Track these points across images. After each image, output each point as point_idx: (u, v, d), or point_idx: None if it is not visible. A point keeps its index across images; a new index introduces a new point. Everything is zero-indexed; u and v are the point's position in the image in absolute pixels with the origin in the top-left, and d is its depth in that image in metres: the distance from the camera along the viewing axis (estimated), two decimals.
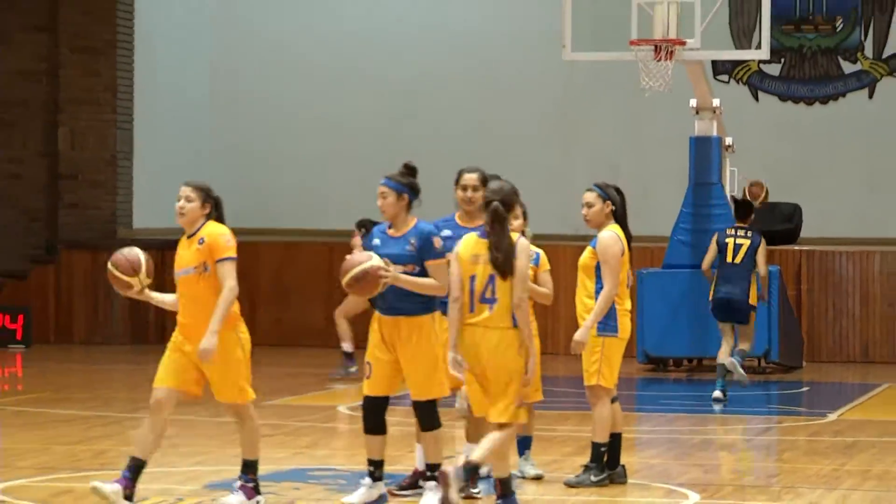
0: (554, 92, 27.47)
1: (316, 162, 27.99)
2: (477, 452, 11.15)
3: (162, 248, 21.71)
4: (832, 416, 19.29)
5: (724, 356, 20.02)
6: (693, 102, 23.31)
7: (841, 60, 28.89)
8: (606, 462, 13.36)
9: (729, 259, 21.34)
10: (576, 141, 26.43)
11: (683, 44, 22.69)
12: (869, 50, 28.69)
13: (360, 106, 29.22)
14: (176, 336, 11.42)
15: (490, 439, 11.08)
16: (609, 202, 12.99)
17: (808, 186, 27.14)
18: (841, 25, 28.94)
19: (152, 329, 26.79)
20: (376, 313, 11.62)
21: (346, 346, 20.90)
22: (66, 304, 27.68)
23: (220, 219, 11.62)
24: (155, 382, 11.26)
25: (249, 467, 11.94)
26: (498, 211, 11.14)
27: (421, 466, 12.76)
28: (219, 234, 11.71)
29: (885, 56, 28.60)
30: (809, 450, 16.84)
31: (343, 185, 27.87)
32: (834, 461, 15.59)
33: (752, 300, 21.22)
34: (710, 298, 20.60)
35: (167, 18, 29.27)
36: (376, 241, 12.74)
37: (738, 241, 20.83)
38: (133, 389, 21.63)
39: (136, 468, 11.25)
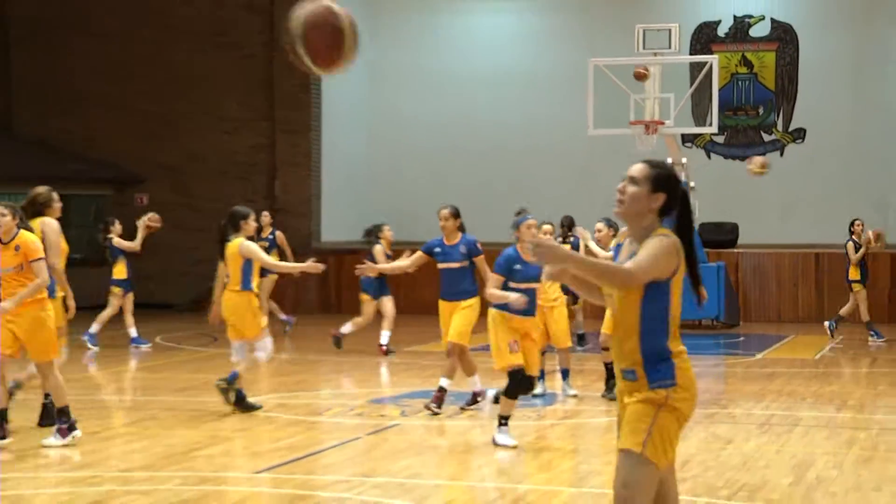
0: (582, 154, 28.76)
1: (429, 192, 26.73)
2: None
3: (339, 254, 26.07)
4: (759, 356, 20.88)
5: None
6: (669, 160, 22.76)
7: (762, 133, 31.24)
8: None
9: None
10: (595, 187, 25.21)
11: (662, 124, 24.70)
12: (780, 126, 31.09)
13: (465, 159, 30.88)
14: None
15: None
16: (613, 228, 14.37)
17: (742, 212, 28.95)
18: (762, 111, 31.29)
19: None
20: (505, 313, 11.78)
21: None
22: (278, 291, 25.48)
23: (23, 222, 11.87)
24: None
25: (61, 412, 11.99)
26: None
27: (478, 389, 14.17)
28: (31, 241, 11.92)
29: (790, 129, 31.04)
30: (744, 377, 18.24)
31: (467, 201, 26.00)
32: (760, 384, 16.88)
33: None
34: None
35: (339, 108, 31.18)
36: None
37: None
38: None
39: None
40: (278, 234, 23.43)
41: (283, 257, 22.59)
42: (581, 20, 31.13)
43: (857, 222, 23.19)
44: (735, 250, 28.13)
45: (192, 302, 28.58)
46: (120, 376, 18.40)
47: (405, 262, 14.22)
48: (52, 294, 12.40)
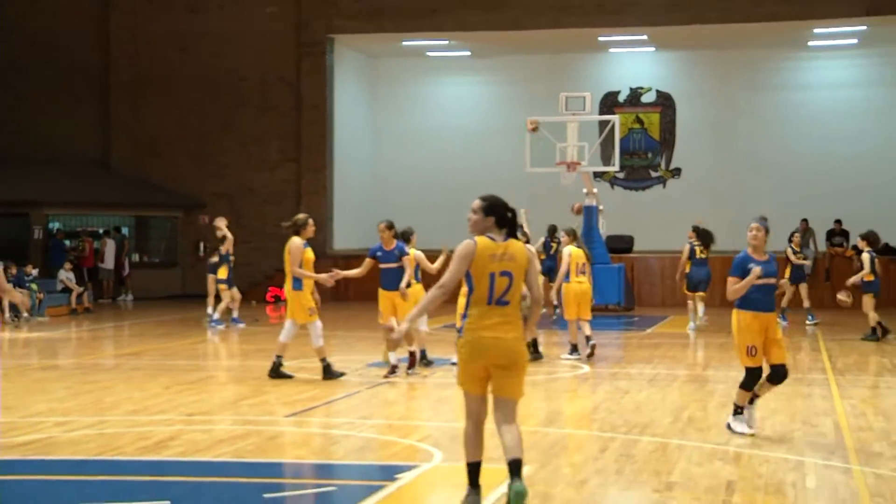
0: (524, 184, 26.86)
1: (415, 215, 24.89)
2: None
3: (346, 258, 25.59)
4: (648, 331, 20.95)
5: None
6: (584, 190, 24.76)
7: (650, 171, 31.67)
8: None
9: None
10: (535, 209, 23.05)
11: (579, 164, 24.74)
12: (663, 165, 31.62)
13: (441, 190, 30.71)
14: None
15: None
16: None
17: (636, 228, 29.13)
18: (650, 155, 31.74)
19: None
20: (752, 312, 9.72)
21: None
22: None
23: None
24: None
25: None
26: None
27: None
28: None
29: (670, 168, 31.53)
30: (638, 346, 18.00)
31: (436, 221, 26.33)
32: (649, 351, 16.94)
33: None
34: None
35: (347, 153, 30.88)
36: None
37: None
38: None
39: None
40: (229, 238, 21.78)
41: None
42: (522, 90, 31.31)
43: (795, 234, 21.91)
44: (631, 255, 28.32)
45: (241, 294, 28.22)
46: (187, 347, 18.33)
47: (362, 270, 13.60)
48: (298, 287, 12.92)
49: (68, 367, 15.01)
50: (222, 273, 21.21)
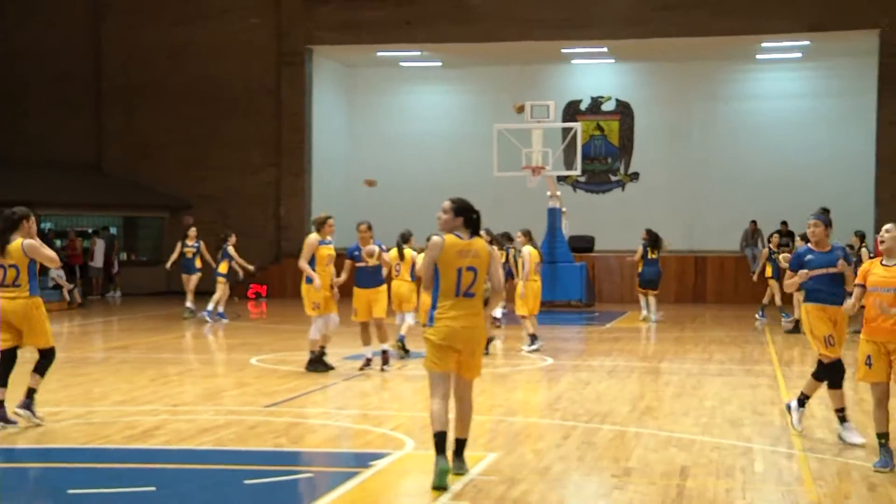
0: (492, 188, 27.01)
1: (389, 216, 25.51)
2: None
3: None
4: (608, 325, 20.95)
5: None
6: (548, 193, 24.91)
7: (610, 175, 31.76)
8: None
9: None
10: (502, 210, 24.83)
11: (544, 168, 24.60)
12: (622, 170, 31.68)
13: (413, 192, 30.08)
14: None
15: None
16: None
17: (597, 229, 29.22)
18: (610, 160, 31.77)
19: None
20: (818, 304, 8.85)
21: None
22: (283, 283, 28.72)
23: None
24: None
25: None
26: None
27: None
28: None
29: (629, 173, 31.56)
30: (599, 340, 18.07)
31: (408, 222, 25.71)
32: (609, 344, 17.03)
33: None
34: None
35: (325, 157, 30.80)
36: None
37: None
38: None
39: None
40: (202, 243, 21.97)
41: (204, 263, 21.92)
42: (491, 98, 31.13)
43: (774, 235, 21.49)
44: (592, 254, 28.39)
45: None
46: (173, 341, 18.24)
47: (345, 275, 13.25)
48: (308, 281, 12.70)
49: (59, 360, 14.19)
50: (223, 268, 21.00)
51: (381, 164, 31.69)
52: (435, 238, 7.40)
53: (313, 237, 12.94)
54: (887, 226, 8.06)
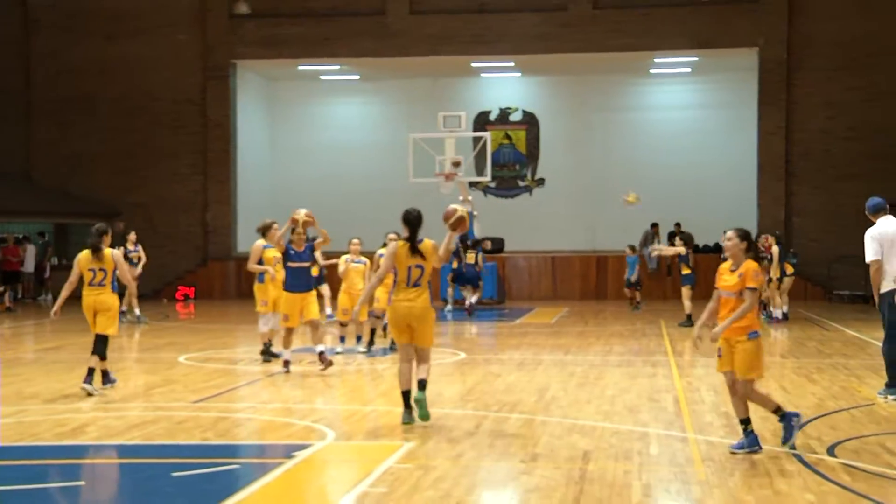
0: (408, 193, 25.05)
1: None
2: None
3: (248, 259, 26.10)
4: (517, 321, 20.77)
5: None
6: (460, 198, 24.21)
7: (518, 181, 31.55)
8: None
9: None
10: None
11: (456, 175, 24.38)
12: (529, 176, 31.50)
13: (333, 197, 29.48)
14: None
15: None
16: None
17: (506, 231, 28.78)
18: (518, 167, 31.60)
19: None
20: None
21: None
22: (210, 285, 28.83)
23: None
24: None
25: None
26: None
27: None
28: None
29: (535, 179, 31.40)
30: (508, 334, 18.07)
31: (328, 226, 25.78)
32: (518, 339, 17.05)
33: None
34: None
35: (249, 165, 30.54)
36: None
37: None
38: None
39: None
40: (140, 248, 21.07)
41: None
42: (405, 109, 30.94)
43: (760, 237, 20.83)
44: (503, 255, 28.29)
45: (153, 292, 28.18)
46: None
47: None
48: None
49: None
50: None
51: (302, 172, 31.67)
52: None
53: (259, 242, 13.12)
54: (728, 233, 7.81)
